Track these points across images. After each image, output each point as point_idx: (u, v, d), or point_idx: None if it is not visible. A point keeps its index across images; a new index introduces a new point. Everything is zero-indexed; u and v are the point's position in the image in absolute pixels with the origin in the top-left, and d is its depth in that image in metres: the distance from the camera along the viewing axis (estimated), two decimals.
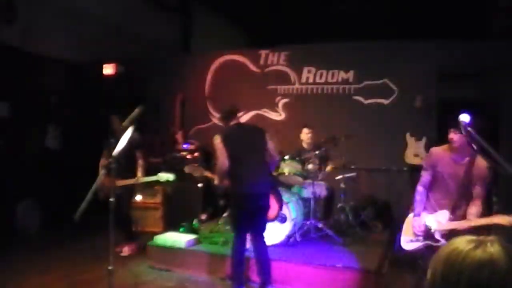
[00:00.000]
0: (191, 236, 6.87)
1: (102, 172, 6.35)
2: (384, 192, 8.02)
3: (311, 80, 8.89)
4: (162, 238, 6.88)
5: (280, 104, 9.11)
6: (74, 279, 6.08)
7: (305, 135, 7.57)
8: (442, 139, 7.49)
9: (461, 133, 3.98)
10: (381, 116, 8.13)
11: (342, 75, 8.63)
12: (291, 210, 6.73)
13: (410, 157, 7.67)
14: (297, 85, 9.00)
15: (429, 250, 4.62)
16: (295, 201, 7.06)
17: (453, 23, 9.32)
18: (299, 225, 6.98)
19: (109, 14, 10.01)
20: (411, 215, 4.87)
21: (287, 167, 7.05)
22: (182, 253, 6.57)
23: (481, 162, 4.40)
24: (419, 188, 4.86)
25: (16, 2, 8.37)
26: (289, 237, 6.75)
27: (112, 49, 9.88)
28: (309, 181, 7.17)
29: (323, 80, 8.78)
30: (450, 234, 4.42)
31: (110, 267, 4.28)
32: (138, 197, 8.29)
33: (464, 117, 3.45)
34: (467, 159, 4.47)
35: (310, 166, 7.18)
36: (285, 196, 6.88)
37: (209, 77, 9.66)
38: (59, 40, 9.13)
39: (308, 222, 7.06)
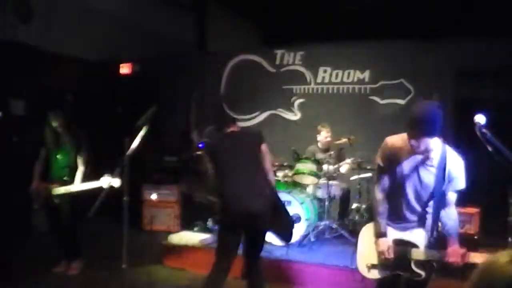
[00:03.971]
0: (205, 235, 6.88)
1: (35, 178, 6.20)
2: None
3: (327, 80, 8.84)
4: (176, 237, 6.90)
5: (296, 104, 9.08)
6: (89, 277, 6.13)
7: (324, 137, 7.53)
8: (459, 140, 7.46)
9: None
10: (398, 116, 8.04)
11: (358, 75, 8.57)
12: (306, 210, 6.72)
13: None
14: (312, 85, 8.96)
15: (404, 284, 3.63)
16: (310, 201, 7.05)
17: (470, 22, 9.22)
18: (313, 226, 6.96)
19: (125, 13, 10.06)
20: (366, 229, 3.84)
21: (302, 167, 7.03)
22: (196, 252, 6.59)
23: (455, 158, 3.50)
24: (380, 196, 3.68)
25: (32, 1, 8.44)
26: (303, 237, 6.74)
27: (128, 48, 9.92)
28: (324, 181, 7.15)
29: (339, 80, 8.73)
30: (429, 264, 3.49)
31: (124, 266, 4.30)
32: (153, 196, 8.32)
33: (480, 118, 3.40)
34: (435, 154, 3.49)
35: (325, 166, 7.16)
36: (300, 197, 6.88)
37: (224, 76, 9.66)
38: (75, 38, 9.19)
39: (322, 223, 7.04)
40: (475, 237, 6.05)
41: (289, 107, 9.12)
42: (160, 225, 8.19)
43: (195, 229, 7.49)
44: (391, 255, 3.52)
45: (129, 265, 4.33)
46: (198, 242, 6.64)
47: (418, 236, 3.54)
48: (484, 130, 3.29)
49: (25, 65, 8.17)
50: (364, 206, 7.52)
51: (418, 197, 3.56)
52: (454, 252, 3.41)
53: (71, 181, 5.99)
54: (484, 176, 6.73)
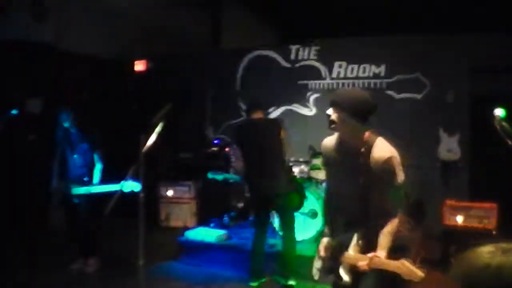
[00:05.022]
0: (222, 232, 6.89)
1: (55, 176, 6.29)
2: (416, 189, 7.88)
3: (342, 75, 8.78)
4: (192, 233, 6.91)
5: (311, 99, 9.04)
6: (106, 274, 6.17)
7: None
8: (476, 135, 7.39)
9: (342, 110, 3.04)
10: (414, 111, 7.98)
11: (373, 69, 8.50)
12: (322, 206, 6.70)
13: (443, 153, 7.53)
14: (328, 80, 8.91)
15: None
16: None
17: (487, 16, 9.11)
18: None
19: (140, 10, 10.07)
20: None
21: (318, 163, 7.01)
22: (212, 249, 6.60)
23: (378, 155, 3.02)
24: (325, 197, 3.58)
25: (47, 0, 8.49)
26: (320, 233, 6.72)
27: (142, 46, 9.95)
28: None
29: (354, 74, 8.67)
30: (354, 271, 3.08)
31: (140, 262, 4.31)
32: (169, 192, 8.34)
33: (499, 112, 3.35)
34: (360, 150, 3.06)
35: None
36: (316, 192, 6.86)
37: (239, 72, 9.65)
38: (90, 37, 9.23)
39: None
40: (493, 232, 5.98)
41: (304, 103, 9.08)
42: (176, 222, 8.20)
43: (212, 225, 7.50)
44: (323, 255, 3.27)
45: (146, 262, 4.34)
46: (214, 238, 6.64)
47: (351, 239, 3.15)
48: (504, 124, 3.25)
49: (40, 64, 8.21)
50: None
51: (342, 200, 3.27)
52: (363, 257, 3.01)
53: (90, 181, 6.03)
54: (502, 170, 6.67)
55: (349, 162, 3.11)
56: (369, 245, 3.05)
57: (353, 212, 3.16)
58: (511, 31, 7.57)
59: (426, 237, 7.07)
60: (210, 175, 7.16)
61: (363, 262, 2.95)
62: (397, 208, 3.08)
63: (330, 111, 3.11)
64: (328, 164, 3.40)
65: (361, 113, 3.09)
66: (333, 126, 3.12)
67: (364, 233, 3.12)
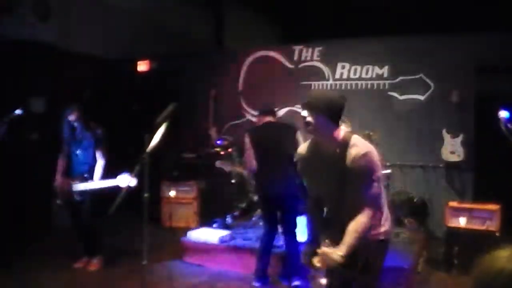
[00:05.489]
0: (224, 232, 6.88)
1: (58, 174, 6.30)
2: (420, 189, 7.89)
3: (345, 76, 8.76)
4: (195, 234, 6.90)
5: None
6: (109, 273, 6.17)
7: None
8: (480, 136, 7.38)
9: (318, 112, 3.02)
10: (417, 112, 7.97)
11: (376, 70, 8.48)
12: None
13: (446, 154, 7.52)
14: (331, 81, 8.89)
15: None
16: None
17: (492, 15, 9.09)
18: None
19: (143, 10, 10.09)
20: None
21: None
22: (215, 249, 6.59)
23: (355, 151, 3.02)
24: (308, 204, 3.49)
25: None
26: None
27: (145, 46, 9.96)
28: None
29: (357, 75, 8.65)
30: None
31: (143, 262, 4.31)
32: (172, 193, 8.34)
33: (504, 113, 3.36)
34: (336, 151, 3.09)
35: None
36: None
37: (242, 72, 9.64)
38: (93, 36, 9.25)
39: None
40: (497, 234, 5.97)
41: None
42: (179, 222, 8.21)
43: (214, 225, 7.49)
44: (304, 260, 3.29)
45: (149, 262, 4.34)
46: (217, 239, 6.64)
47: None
48: (509, 125, 3.25)
49: (44, 64, 8.22)
50: None
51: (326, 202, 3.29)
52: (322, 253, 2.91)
53: (90, 177, 6.04)
54: (506, 171, 6.67)
55: (328, 164, 3.11)
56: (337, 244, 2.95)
57: (334, 213, 3.19)
58: None
59: (429, 238, 7.09)
60: (218, 164, 7.15)
61: (316, 260, 2.89)
62: (371, 204, 3.01)
63: (305, 113, 3.08)
64: (306, 170, 3.37)
65: (335, 113, 3.11)
66: (309, 128, 3.10)
67: (331, 232, 3.09)
